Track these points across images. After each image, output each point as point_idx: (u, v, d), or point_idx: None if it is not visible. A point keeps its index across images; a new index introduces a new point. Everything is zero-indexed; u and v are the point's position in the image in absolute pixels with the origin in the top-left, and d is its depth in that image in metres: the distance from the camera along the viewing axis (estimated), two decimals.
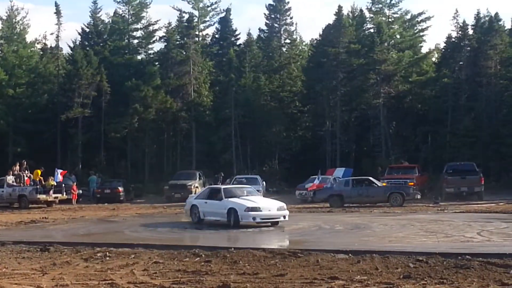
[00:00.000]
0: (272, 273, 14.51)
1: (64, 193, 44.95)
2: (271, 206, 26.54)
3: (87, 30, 67.23)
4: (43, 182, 43.86)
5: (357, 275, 14.02)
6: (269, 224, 26.05)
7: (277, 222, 26.23)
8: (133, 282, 13.77)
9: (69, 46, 66.82)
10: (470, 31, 60.14)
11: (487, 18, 60.90)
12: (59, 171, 45.80)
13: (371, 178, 40.43)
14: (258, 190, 41.76)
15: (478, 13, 62.04)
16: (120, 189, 48.80)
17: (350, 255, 16.88)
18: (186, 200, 30.53)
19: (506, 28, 60.10)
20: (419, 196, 38.75)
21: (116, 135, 58.24)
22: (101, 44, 65.60)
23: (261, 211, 25.76)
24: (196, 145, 59.25)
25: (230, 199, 26.68)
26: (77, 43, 66.36)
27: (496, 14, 60.14)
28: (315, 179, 44.77)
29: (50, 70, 64.35)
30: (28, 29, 69.53)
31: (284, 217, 26.32)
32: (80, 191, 49.30)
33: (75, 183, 48.42)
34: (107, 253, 18.04)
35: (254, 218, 25.57)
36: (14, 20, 68.00)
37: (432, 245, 19.33)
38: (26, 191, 42.86)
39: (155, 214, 35.06)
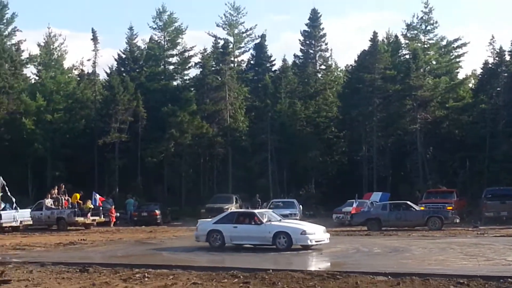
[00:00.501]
0: None
1: (102, 216, 45.31)
2: (316, 229, 26.61)
3: (123, 56, 67.86)
4: (81, 205, 44.19)
5: None
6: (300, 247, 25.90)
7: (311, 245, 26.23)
8: None
9: (106, 72, 67.61)
10: (507, 57, 59.74)
11: None
12: (97, 195, 46.21)
13: (408, 202, 40.17)
14: (294, 214, 42.26)
15: None
16: (157, 212, 49.15)
17: (389, 277, 16.76)
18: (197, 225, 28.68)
19: None
20: (458, 220, 38.45)
21: (152, 160, 58.49)
22: (137, 70, 66.14)
23: (314, 234, 25.90)
24: (232, 170, 59.37)
25: (273, 223, 26.61)
26: (114, 69, 66.99)
27: None
28: (352, 203, 44.61)
29: (87, 95, 65.01)
30: (65, 55, 70.78)
31: (328, 239, 26.43)
32: (118, 214, 49.54)
33: (113, 206, 48.71)
34: (146, 274, 18.07)
35: (310, 241, 25.65)
36: (51, 46, 69.10)
37: (473, 268, 19.08)
38: (64, 214, 43.18)
39: (193, 237, 34.98)
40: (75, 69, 71.61)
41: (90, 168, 59.81)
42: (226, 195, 52.31)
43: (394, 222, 38.30)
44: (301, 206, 47.18)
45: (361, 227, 39.06)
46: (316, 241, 25.88)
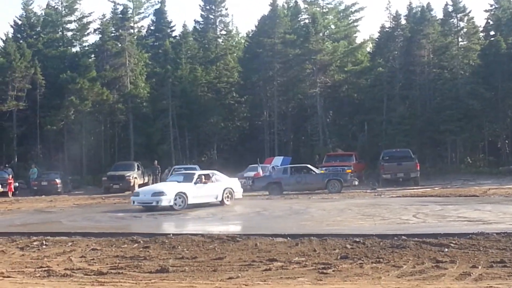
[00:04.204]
0: (211, 257, 14.59)
1: (0, 186, 44.23)
2: None
3: (20, 22, 66.15)
4: None
5: (295, 257, 14.17)
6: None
7: None
8: (70, 269, 13.69)
9: (1, 39, 65.62)
10: (403, 21, 60.95)
11: (419, 8, 61.72)
12: None
13: (309, 165, 40.64)
14: None
15: (410, 3, 63.46)
16: (58, 181, 48.05)
17: (288, 238, 17.01)
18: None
19: (437, 18, 60.91)
20: (356, 183, 39.10)
21: (52, 128, 57.17)
22: (34, 37, 64.58)
23: None
24: (134, 137, 58.70)
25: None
26: (10, 35, 65.07)
27: (428, 4, 60.89)
28: (254, 168, 44.85)
29: None
30: None
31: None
32: (17, 184, 48.48)
33: (10, 176, 47.61)
34: (44, 242, 17.87)
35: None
36: None
37: (369, 227, 19.60)
38: None
39: (94, 205, 34.73)
40: None
41: None
42: (127, 162, 51.85)
43: (295, 186, 38.61)
44: None
45: (263, 192, 39.15)
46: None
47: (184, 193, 28.62)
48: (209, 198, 30.05)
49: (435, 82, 57.08)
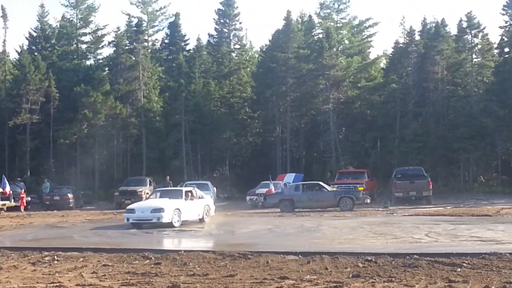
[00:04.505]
0: (222, 274, 14.51)
1: (12, 200, 44.19)
2: None
3: (35, 34, 66.53)
4: None
5: (307, 275, 14.08)
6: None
7: None
8: (82, 285, 13.64)
9: (16, 51, 66.04)
10: (417, 37, 60.88)
11: (433, 24, 61.66)
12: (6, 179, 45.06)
13: (321, 182, 40.46)
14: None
15: (425, 19, 63.40)
16: (70, 195, 48.19)
17: (300, 256, 16.92)
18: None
19: (452, 34, 60.82)
20: (368, 201, 38.95)
21: (65, 142, 57.24)
22: (49, 49, 64.92)
23: None
24: (147, 151, 58.75)
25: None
26: (25, 47, 65.30)
27: (443, 20, 61.09)
28: (266, 184, 44.77)
29: None
30: None
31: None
32: (29, 199, 48.50)
33: (23, 190, 47.63)
34: (55, 257, 17.81)
35: None
36: None
37: (381, 246, 19.48)
38: None
39: (105, 220, 34.71)
40: None
41: (0, 150, 58.30)
42: (139, 177, 52.02)
43: (307, 203, 38.35)
44: (215, 188, 46.99)
45: (274, 209, 38.88)
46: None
47: (179, 210, 28.25)
48: (195, 215, 29.88)
49: (449, 99, 57.02)
